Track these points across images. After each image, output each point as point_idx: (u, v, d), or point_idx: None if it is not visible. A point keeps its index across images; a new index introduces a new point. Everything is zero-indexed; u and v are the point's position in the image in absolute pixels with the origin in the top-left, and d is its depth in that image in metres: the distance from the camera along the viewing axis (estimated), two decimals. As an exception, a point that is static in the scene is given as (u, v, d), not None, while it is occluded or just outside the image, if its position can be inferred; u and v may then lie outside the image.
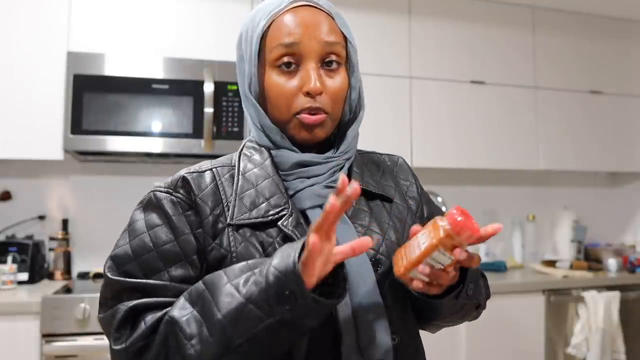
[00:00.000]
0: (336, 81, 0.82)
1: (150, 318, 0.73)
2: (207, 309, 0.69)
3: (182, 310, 0.71)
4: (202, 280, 0.73)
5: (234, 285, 0.68)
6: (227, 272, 0.71)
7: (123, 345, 0.72)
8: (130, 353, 0.72)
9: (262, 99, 0.85)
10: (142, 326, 0.72)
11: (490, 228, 0.68)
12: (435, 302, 0.79)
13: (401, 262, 0.69)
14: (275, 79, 0.81)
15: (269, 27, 0.81)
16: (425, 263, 0.66)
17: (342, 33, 0.84)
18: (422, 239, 0.67)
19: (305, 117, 0.80)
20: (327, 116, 0.81)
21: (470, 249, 2.56)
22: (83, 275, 2.44)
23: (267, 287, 0.65)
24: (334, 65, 0.82)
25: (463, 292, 0.78)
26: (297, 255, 0.65)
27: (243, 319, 0.66)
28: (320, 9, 0.82)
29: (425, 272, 0.65)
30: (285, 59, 0.80)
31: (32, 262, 2.28)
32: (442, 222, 0.65)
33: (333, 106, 0.82)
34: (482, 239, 0.68)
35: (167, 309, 0.73)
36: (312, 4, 0.82)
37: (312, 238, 0.62)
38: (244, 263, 0.71)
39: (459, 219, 0.64)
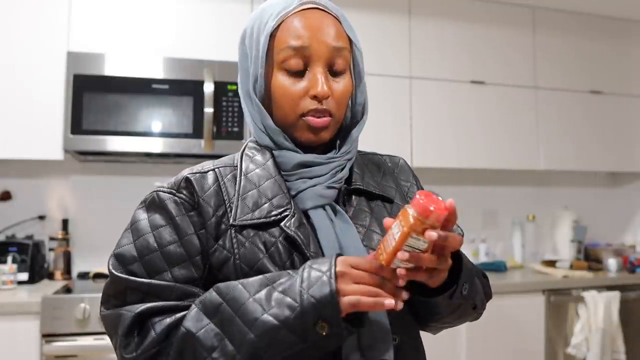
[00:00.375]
0: (341, 85, 0.83)
1: (159, 325, 0.73)
2: (228, 324, 0.70)
3: (197, 322, 0.72)
4: (215, 291, 0.73)
5: (257, 301, 0.70)
6: (245, 285, 0.72)
7: (134, 354, 0.73)
8: None
9: (266, 99, 0.85)
10: (152, 333, 0.73)
11: (448, 202, 0.67)
12: (431, 302, 0.79)
13: (382, 257, 0.69)
14: (282, 81, 0.81)
15: (276, 28, 0.82)
16: (403, 251, 0.67)
17: (348, 36, 0.84)
18: (395, 229, 0.68)
19: (312, 120, 0.81)
20: (332, 119, 0.82)
21: (469, 249, 2.53)
22: (83, 275, 2.44)
23: (302, 313, 0.67)
24: (340, 69, 0.83)
25: (457, 291, 0.78)
26: (334, 284, 0.67)
27: (278, 343, 0.68)
28: (328, 12, 0.83)
29: (405, 258, 0.66)
30: (293, 62, 0.80)
31: (32, 262, 2.27)
32: (410, 210, 0.66)
33: (338, 109, 0.83)
34: (451, 218, 0.67)
35: (178, 317, 0.73)
36: (320, 7, 0.82)
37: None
38: (261, 276, 0.73)
39: (423, 201, 0.65)
